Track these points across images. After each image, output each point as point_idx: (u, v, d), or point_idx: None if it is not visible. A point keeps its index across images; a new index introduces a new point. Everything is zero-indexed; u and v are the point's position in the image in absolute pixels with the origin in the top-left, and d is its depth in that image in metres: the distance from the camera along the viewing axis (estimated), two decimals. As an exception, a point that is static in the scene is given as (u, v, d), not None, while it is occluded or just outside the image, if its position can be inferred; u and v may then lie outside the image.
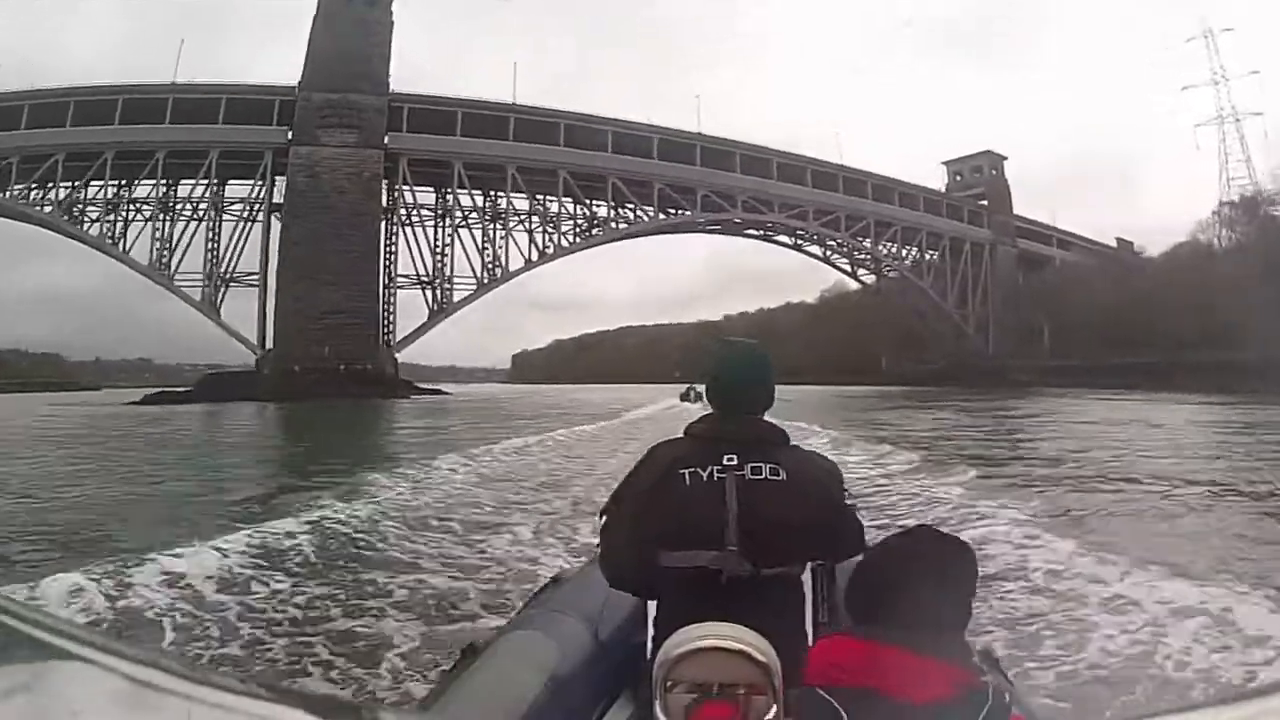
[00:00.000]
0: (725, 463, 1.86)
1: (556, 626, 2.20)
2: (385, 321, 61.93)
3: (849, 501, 2.10)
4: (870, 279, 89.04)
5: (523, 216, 66.29)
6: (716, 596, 1.75)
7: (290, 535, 6.43)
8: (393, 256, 63.50)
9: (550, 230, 66.05)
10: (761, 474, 1.85)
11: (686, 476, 1.86)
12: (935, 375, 75.81)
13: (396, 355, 61.64)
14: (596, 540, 2.29)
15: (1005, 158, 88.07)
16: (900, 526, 3.46)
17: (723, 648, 1.46)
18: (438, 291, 61.94)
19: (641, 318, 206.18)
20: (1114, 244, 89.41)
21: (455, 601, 4.90)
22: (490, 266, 63.17)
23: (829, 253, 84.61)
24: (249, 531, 6.37)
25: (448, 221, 63.86)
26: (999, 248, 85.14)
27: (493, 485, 9.78)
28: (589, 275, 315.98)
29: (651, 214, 69.00)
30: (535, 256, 65.43)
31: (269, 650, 4.12)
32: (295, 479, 11.58)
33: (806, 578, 2.00)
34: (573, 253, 68.79)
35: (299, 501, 8.25)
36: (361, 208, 60.29)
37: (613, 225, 68.90)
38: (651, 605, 1.98)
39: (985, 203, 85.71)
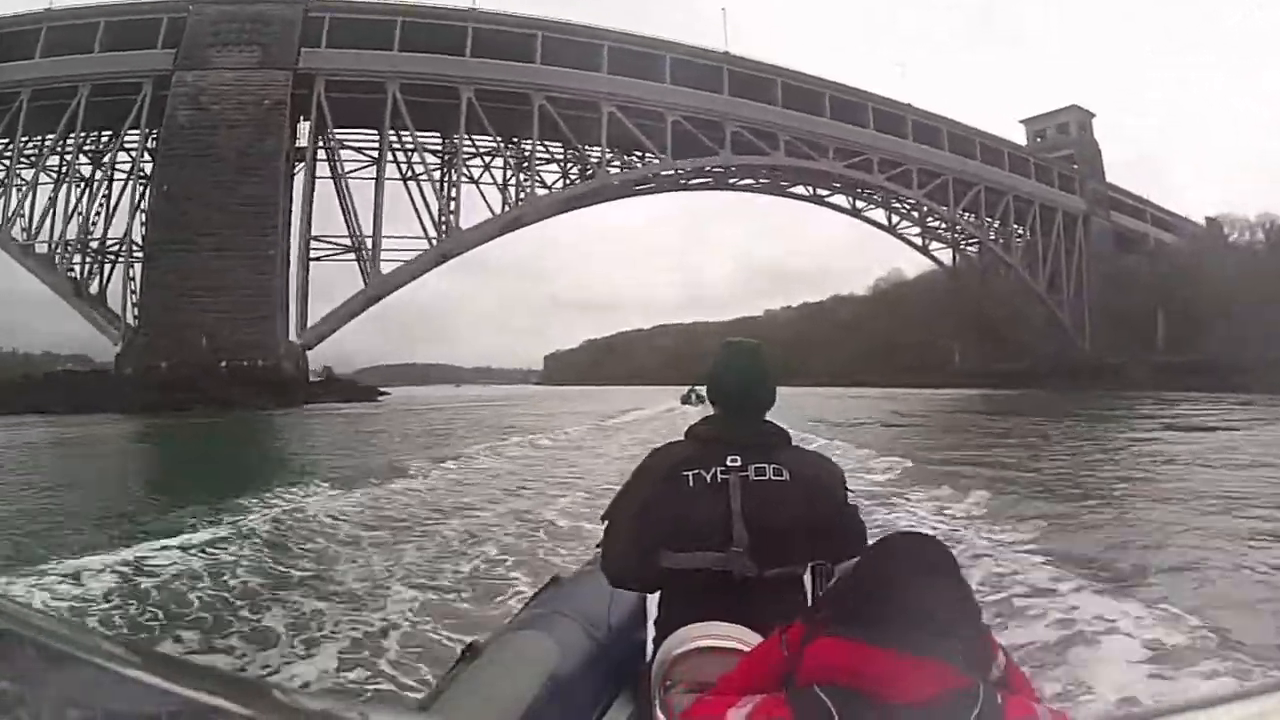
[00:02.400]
0: (728, 464, 1.85)
1: (556, 626, 2.19)
2: (293, 302, 45.23)
3: (851, 502, 2.01)
4: (945, 255, 70.34)
5: (486, 160, 49.17)
6: (720, 597, 1.75)
7: (290, 535, 6.68)
8: (307, 216, 46.81)
9: (524, 180, 48.87)
10: (765, 474, 1.85)
11: (690, 478, 1.85)
12: (1021, 375, 63.83)
13: (308, 347, 44.88)
14: (597, 542, 2.35)
15: (1093, 115, 73.91)
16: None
17: (722, 648, 1.51)
18: (366, 263, 44.95)
19: (677, 317, 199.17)
20: (1203, 223, 76.20)
21: (455, 601, 4.92)
22: (441, 227, 45.99)
23: (895, 219, 66.32)
24: (249, 531, 6.61)
25: (383, 169, 46.80)
26: (1093, 220, 69.54)
27: (493, 484, 10.12)
28: (621, 274, 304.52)
29: (664, 159, 51.21)
30: (505, 212, 48.28)
31: (269, 650, 4.15)
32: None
33: (806, 577, 1.92)
34: (560, 211, 51.69)
35: (292, 501, 8.46)
36: (258, 147, 43.93)
37: (610, 171, 51.18)
38: (652, 605, 1.99)
39: (1076, 166, 70.79)
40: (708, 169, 55.21)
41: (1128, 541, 6.38)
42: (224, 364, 39.91)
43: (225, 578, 5.44)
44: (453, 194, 46.88)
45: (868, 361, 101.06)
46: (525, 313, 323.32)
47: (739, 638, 1.53)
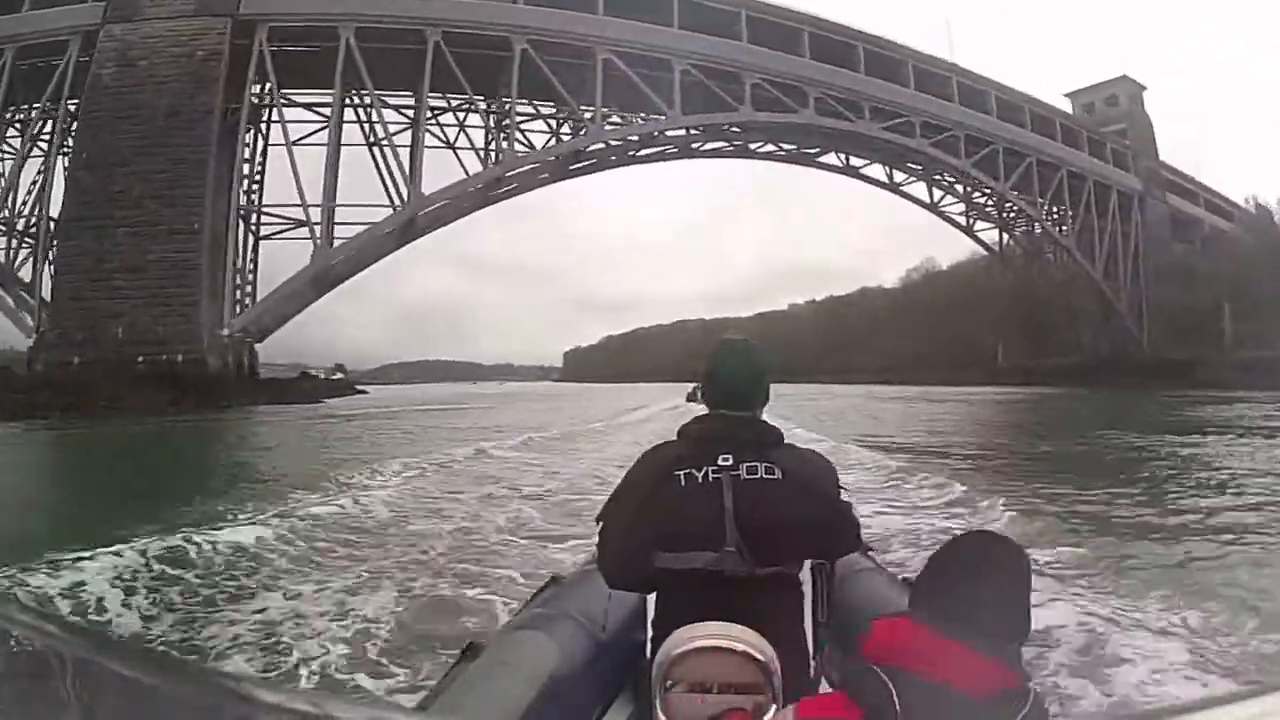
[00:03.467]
0: (720, 463, 1.83)
1: (556, 626, 2.18)
2: (230, 286, 38.51)
3: (845, 499, 2.01)
4: (989, 237, 62.04)
5: (461, 118, 42.14)
6: (715, 597, 1.73)
7: (289, 534, 6.28)
8: (250, 186, 40.10)
9: (503, 138, 41.71)
10: (757, 473, 1.83)
11: (682, 478, 1.84)
12: (1069, 371, 58.07)
13: (251, 339, 38.09)
14: (595, 543, 2.35)
15: (1144, 88, 66.46)
16: None
17: (721, 647, 1.49)
18: (318, 240, 38.06)
19: (698, 312, 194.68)
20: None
21: (455, 601, 4.75)
22: (402, 193, 38.97)
23: (938, 196, 58.20)
24: (247, 531, 6.28)
25: (337, 131, 39.88)
26: (1149, 201, 62.10)
27: (491, 484, 9.63)
28: (643, 270, 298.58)
29: (671, 114, 43.68)
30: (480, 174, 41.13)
31: (268, 650, 3.98)
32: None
33: (805, 576, 1.97)
34: (551, 178, 44.45)
35: (292, 500, 7.94)
36: (187, 104, 37.31)
37: (605, 129, 43.75)
38: (650, 605, 1.97)
39: (1128, 143, 62.98)
40: (725, 128, 47.49)
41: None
42: (140, 360, 33.31)
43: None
44: (421, 159, 39.60)
45: (899, 357, 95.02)
46: (546, 310, 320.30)
47: (739, 637, 1.52)
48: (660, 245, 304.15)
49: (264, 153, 41.99)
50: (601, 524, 2.02)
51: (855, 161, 54.39)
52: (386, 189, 39.75)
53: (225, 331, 35.86)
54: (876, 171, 55.92)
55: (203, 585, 5.03)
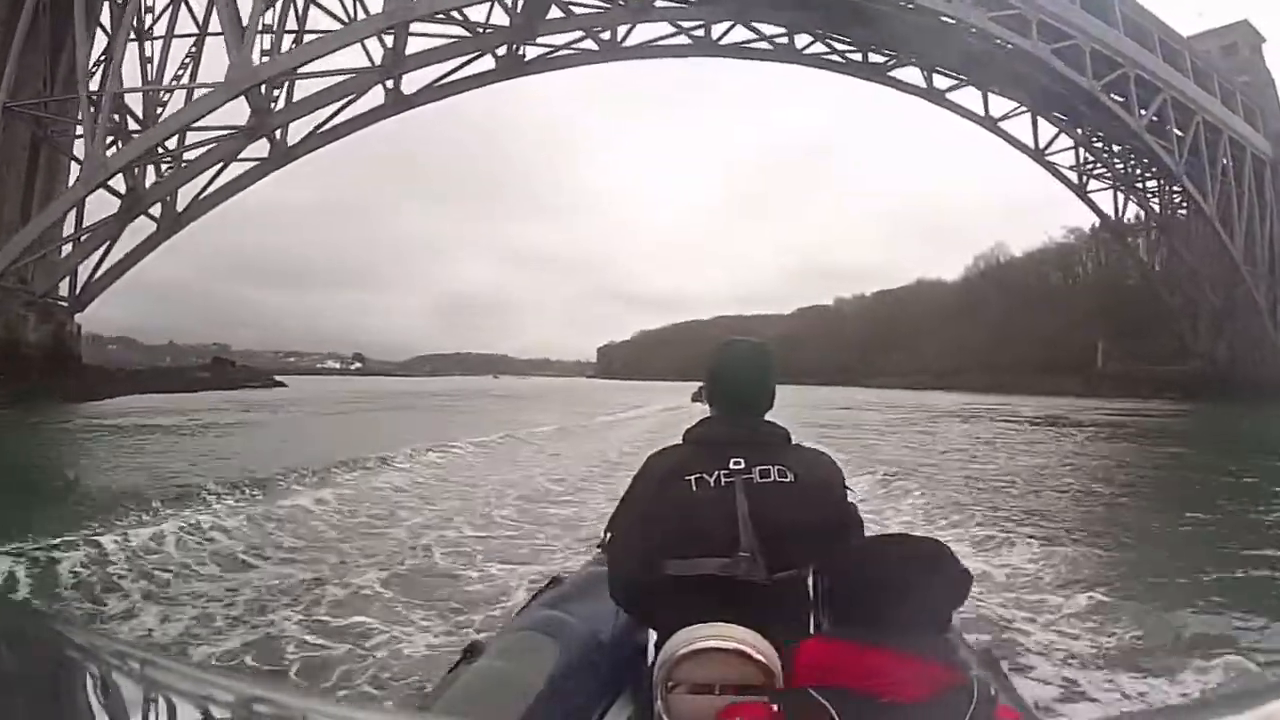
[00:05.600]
0: (732, 466, 1.80)
1: (557, 626, 2.15)
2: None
3: (850, 500, 1.98)
4: (1102, 195, 47.94)
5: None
6: (726, 602, 1.69)
7: (288, 535, 6.32)
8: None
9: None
10: (770, 476, 1.80)
11: (693, 483, 1.80)
12: (1188, 381, 46.95)
13: (67, 306, 27.04)
14: (598, 542, 2.36)
15: (1264, 39, 53.30)
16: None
17: (723, 648, 1.50)
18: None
19: (737, 309, 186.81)
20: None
21: (455, 601, 4.75)
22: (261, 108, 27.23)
23: (1048, 138, 44.22)
24: (247, 528, 6.36)
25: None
26: None
27: (491, 483, 9.51)
28: (682, 264, 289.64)
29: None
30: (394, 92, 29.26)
31: (268, 650, 3.97)
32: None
33: (809, 579, 1.94)
34: (484, 83, 32.16)
35: (295, 494, 8.06)
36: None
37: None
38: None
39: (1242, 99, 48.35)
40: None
41: None
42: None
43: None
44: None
45: (965, 358, 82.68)
46: (585, 305, 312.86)
47: (742, 639, 1.52)
48: (697, 239, 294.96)
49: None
50: (609, 536, 1.98)
51: (940, 79, 40.83)
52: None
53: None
54: (970, 99, 41.93)
55: None
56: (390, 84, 28.73)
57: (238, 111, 25.67)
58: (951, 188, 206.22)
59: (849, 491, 1.95)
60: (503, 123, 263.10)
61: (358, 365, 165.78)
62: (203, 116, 25.10)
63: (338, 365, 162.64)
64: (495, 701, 1.77)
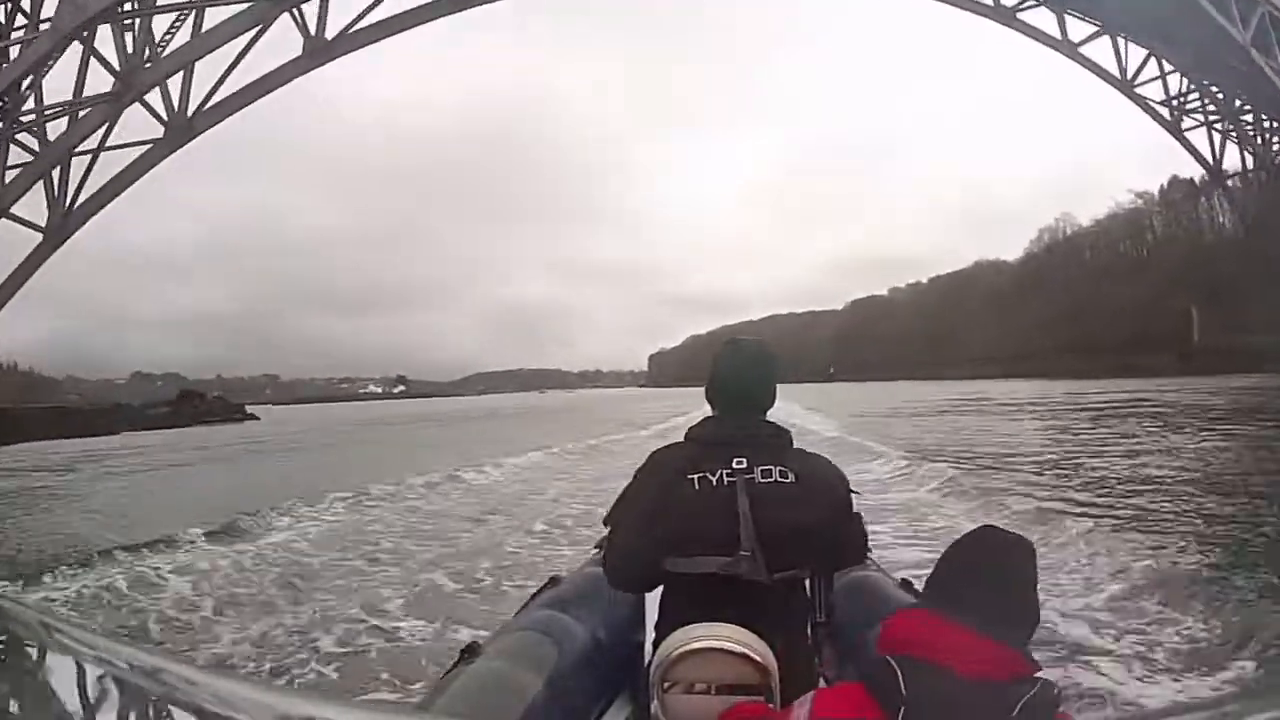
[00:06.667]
0: (735, 466, 1.81)
1: (556, 626, 2.16)
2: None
3: (855, 505, 1.95)
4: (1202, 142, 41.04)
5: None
6: (726, 601, 1.71)
7: (288, 534, 6.80)
8: None
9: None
10: (772, 476, 1.81)
11: (695, 481, 1.81)
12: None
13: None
14: (596, 543, 2.39)
15: None
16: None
17: (719, 648, 1.52)
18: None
19: (789, 306, 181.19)
20: None
21: (455, 601, 5.01)
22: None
23: (1134, 68, 37.82)
24: (247, 531, 6.90)
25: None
26: None
27: (490, 485, 9.90)
28: (734, 265, 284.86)
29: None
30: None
31: (268, 649, 4.15)
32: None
33: (807, 581, 1.96)
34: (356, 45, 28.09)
35: (298, 503, 8.70)
36: None
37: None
38: (652, 606, 1.97)
39: None
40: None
41: None
42: None
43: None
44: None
45: (1034, 340, 75.67)
46: (634, 312, 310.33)
47: (739, 639, 1.54)
48: (744, 239, 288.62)
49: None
50: (609, 528, 1.99)
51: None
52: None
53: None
54: (1043, 19, 35.87)
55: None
56: (309, 26, 24.57)
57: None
58: (1002, 172, 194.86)
59: (855, 496, 1.93)
60: (543, 127, 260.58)
61: (400, 389, 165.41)
62: (42, 71, 21.38)
63: (379, 390, 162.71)
64: (493, 702, 1.77)
